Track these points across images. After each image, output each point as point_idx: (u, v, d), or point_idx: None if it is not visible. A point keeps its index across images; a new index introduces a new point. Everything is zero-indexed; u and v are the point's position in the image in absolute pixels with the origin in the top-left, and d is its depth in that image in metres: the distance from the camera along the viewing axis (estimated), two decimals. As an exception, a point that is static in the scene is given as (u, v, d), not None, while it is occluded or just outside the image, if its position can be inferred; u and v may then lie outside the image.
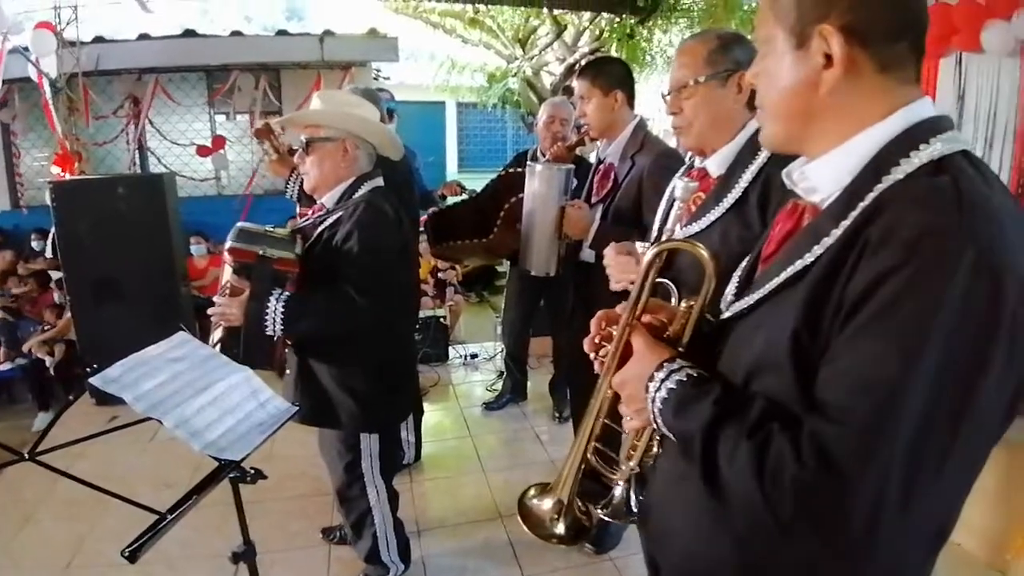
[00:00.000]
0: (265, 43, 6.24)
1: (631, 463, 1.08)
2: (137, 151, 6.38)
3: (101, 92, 5.98)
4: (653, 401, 0.88)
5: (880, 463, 0.64)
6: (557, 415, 3.80)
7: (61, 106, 5.13)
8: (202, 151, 6.37)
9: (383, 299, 1.90)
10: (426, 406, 3.58)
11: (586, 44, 8.26)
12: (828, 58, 0.76)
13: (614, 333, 1.00)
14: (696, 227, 1.43)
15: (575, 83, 2.42)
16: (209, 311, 1.92)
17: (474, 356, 4.91)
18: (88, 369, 1.30)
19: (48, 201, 4.12)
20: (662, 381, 0.87)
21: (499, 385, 4.19)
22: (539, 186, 2.46)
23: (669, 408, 0.85)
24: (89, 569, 2.58)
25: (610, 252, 1.63)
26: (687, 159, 1.66)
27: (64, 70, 5.03)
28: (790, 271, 0.77)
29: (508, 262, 3.72)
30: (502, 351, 4.21)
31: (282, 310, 1.83)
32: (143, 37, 5.86)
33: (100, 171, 6.05)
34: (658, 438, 1.03)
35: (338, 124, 2.00)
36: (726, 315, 0.91)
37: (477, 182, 3.96)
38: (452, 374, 4.68)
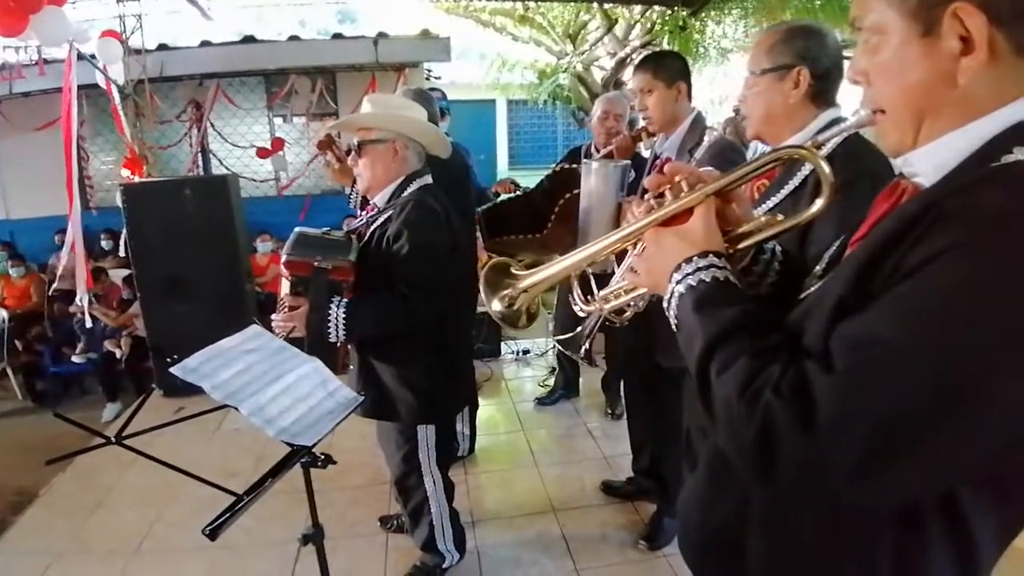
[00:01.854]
0: (321, 46, 6.40)
1: (606, 306, 1.05)
2: (200, 154, 6.66)
3: (165, 97, 6.25)
4: (678, 281, 0.82)
5: (848, 422, 0.61)
6: (609, 411, 3.80)
7: (129, 111, 5.40)
8: (262, 153, 6.59)
9: (436, 295, 1.95)
10: (479, 400, 3.64)
11: (637, 38, 8.16)
12: (964, 42, 0.66)
13: (684, 188, 0.90)
14: (756, 212, 1.44)
15: (631, 77, 2.39)
16: (273, 325, 1.98)
17: (526, 352, 4.95)
18: (168, 360, 1.39)
19: (118, 203, 4.36)
20: (698, 269, 0.81)
21: (551, 381, 4.21)
22: (596, 183, 2.46)
23: (691, 298, 0.80)
24: (158, 553, 2.73)
25: None
26: (760, 148, 1.65)
27: (131, 77, 5.29)
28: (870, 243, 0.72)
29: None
30: (554, 347, 4.23)
31: (343, 317, 1.90)
32: (204, 44, 6.10)
33: (165, 174, 6.33)
34: (642, 303, 1.03)
35: (388, 126, 2.06)
36: (805, 294, 0.86)
37: (528, 179, 3.98)
38: (504, 369, 4.73)
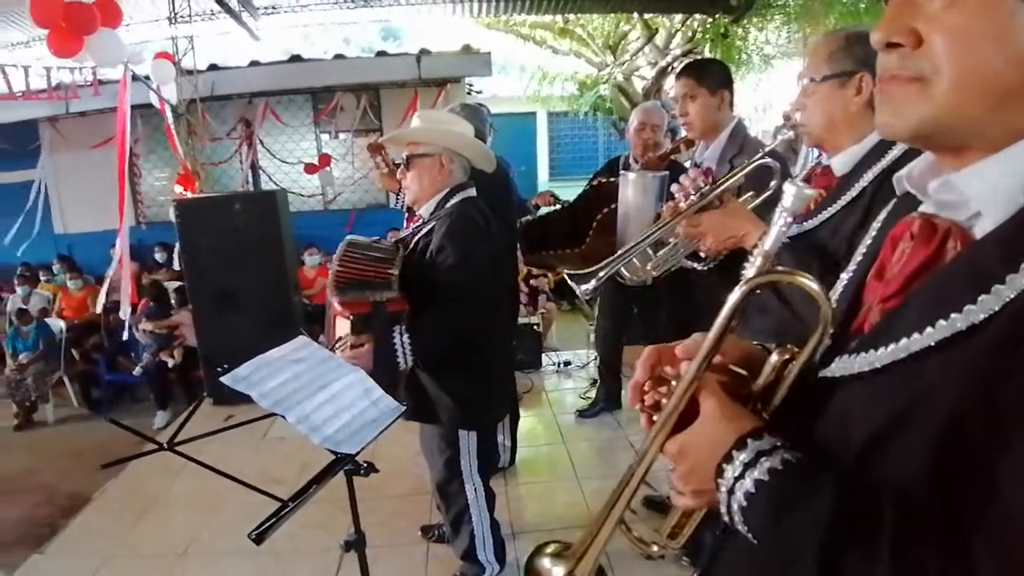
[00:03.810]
0: (365, 64, 6.57)
1: (674, 543, 0.84)
2: (250, 170, 6.88)
3: (216, 116, 6.50)
4: (732, 493, 0.63)
5: None
6: (652, 425, 3.75)
7: (181, 130, 5.62)
8: (309, 168, 6.78)
9: (478, 305, 1.99)
10: (520, 412, 3.64)
11: (679, 46, 8.13)
12: None
13: (671, 380, 0.75)
14: (809, 224, 1.42)
15: (673, 84, 2.38)
16: None
17: (567, 363, 4.94)
18: (219, 369, 1.44)
19: (171, 217, 4.53)
20: (746, 467, 0.62)
21: (592, 393, 4.19)
22: (633, 194, 2.45)
23: (760, 508, 0.61)
24: (204, 557, 2.82)
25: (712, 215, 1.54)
26: (812, 158, 1.62)
27: (183, 96, 5.52)
28: (947, 329, 0.52)
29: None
30: (595, 359, 4.21)
31: (408, 343, 1.94)
32: (253, 63, 6.33)
33: (217, 189, 6.57)
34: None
35: (435, 140, 2.12)
36: (837, 372, 0.65)
37: (569, 190, 3.99)
38: (545, 381, 4.73)
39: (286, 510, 1.21)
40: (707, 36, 7.55)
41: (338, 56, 6.70)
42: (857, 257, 0.76)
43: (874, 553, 0.52)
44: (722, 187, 1.53)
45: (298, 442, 1.44)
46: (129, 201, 6.87)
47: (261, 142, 6.82)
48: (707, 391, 0.69)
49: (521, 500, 3.14)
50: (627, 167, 3.12)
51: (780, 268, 0.71)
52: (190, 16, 5.66)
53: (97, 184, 5.92)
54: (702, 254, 1.67)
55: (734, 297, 0.69)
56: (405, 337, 1.94)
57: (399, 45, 11.19)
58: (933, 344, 0.53)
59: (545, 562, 0.85)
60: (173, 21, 5.53)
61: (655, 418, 0.74)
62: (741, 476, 0.62)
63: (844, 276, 0.77)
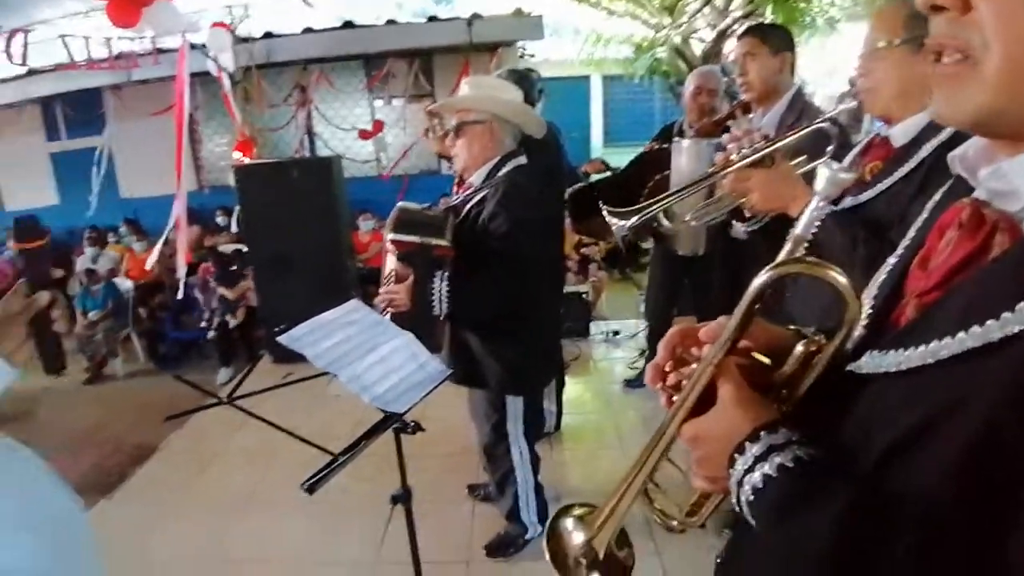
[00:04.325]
0: (417, 29, 6.55)
1: (692, 520, 0.83)
2: (306, 136, 7.01)
3: (272, 83, 6.61)
4: (740, 484, 0.62)
5: None
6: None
7: (238, 97, 5.75)
8: (363, 135, 6.86)
9: (528, 272, 2.00)
10: (567, 379, 3.67)
11: (739, 8, 7.80)
12: None
13: (693, 363, 0.73)
14: (865, 196, 1.37)
15: (735, 44, 2.31)
16: (376, 300, 2.09)
17: (616, 333, 4.93)
18: (276, 329, 1.51)
19: (231, 182, 4.68)
20: (756, 460, 0.61)
21: (640, 363, 4.18)
22: (687, 162, 2.41)
23: (765, 504, 0.60)
24: (262, 507, 2.99)
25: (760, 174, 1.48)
26: (876, 128, 1.55)
27: (239, 64, 5.63)
28: (980, 337, 0.48)
29: (653, 239, 3.68)
30: (645, 329, 4.19)
31: (447, 289, 1.97)
32: (307, 31, 6.39)
33: (274, 155, 6.72)
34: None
35: (484, 107, 2.11)
36: (865, 369, 0.62)
37: (623, 156, 3.93)
38: (593, 350, 4.74)
39: (337, 463, 1.27)
40: (769, -4, 7.22)
41: (390, 22, 6.70)
42: (906, 241, 0.71)
43: (887, 564, 0.50)
44: (776, 145, 1.48)
45: (351, 400, 1.49)
46: (190, 166, 7.14)
47: (316, 108, 6.92)
48: (725, 377, 0.67)
49: (565, 465, 3.19)
50: (681, 133, 3.05)
51: (808, 259, 0.68)
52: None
53: (159, 150, 6.11)
54: (746, 213, 1.63)
55: (757, 283, 0.66)
56: (444, 284, 1.96)
57: (451, 9, 11.07)
58: (965, 351, 0.50)
59: (568, 523, 0.86)
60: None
61: (675, 399, 0.73)
62: (751, 469, 0.61)
63: (891, 260, 0.72)
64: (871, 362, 0.60)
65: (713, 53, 7.81)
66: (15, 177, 7.95)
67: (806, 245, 0.79)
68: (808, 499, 0.56)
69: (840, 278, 0.62)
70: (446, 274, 1.98)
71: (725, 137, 1.56)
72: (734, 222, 1.79)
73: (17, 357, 0.90)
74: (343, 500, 2.78)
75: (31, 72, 6.02)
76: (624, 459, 3.18)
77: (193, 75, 5.05)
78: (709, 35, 8.21)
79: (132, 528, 2.84)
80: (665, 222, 1.75)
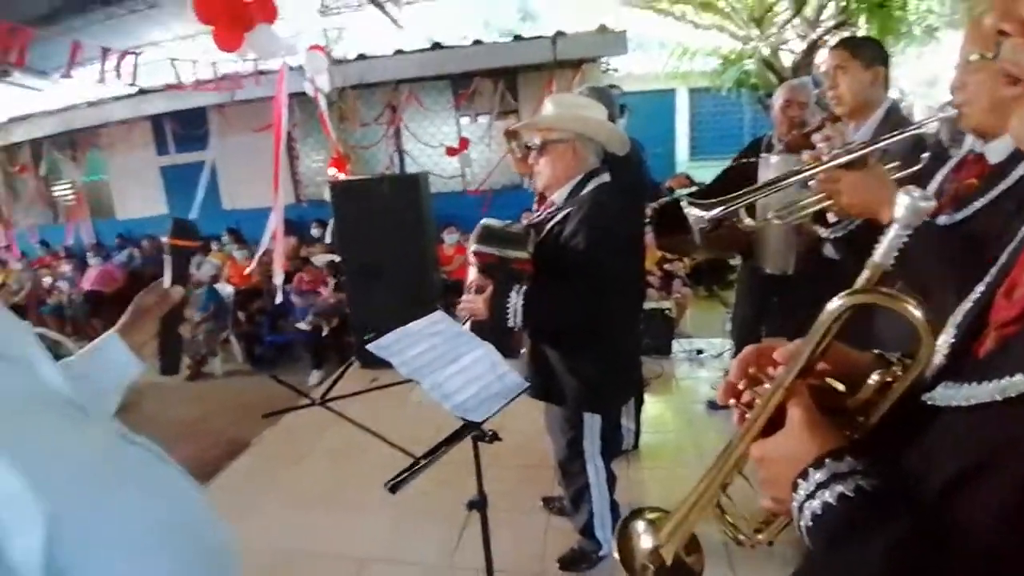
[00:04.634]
0: (502, 49, 6.70)
1: (760, 537, 0.82)
2: (396, 153, 7.29)
3: (364, 102, 6.92)
4: (800, 510, 0.63)
5: None
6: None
7: (333, 116, 6.06)
8: (450, 151, 7.08)
9: (608, 290, 1.99)
10: (647, 397, 3.62)
11: (831, 18, 7.49)
12: None
13: (766, 383, 0.73)
14: (961, 215, 1.30)
15: (825, 56, 2.23)
16: (458, 309, 2.14)
17: (700, 352, 4.81)
18: (365, 337, 1.60)
19: (326, 197, 4.93)
20: (819, 486, 0.60)
21: (726, 383, 4.05)
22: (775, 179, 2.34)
23: (822, 531, 0.60)
24: (347, 503, 3.12)
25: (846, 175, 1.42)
26: (967, 143, 1.47)
27: (335, 85, 5.94)
28: None
29: (740, 256, 3.59)
30: (731, 349, 4.07)
31: (522, 304, 2.00)
32: (398, 52, 6.67)
33: (366, 171, 7.04)
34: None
35: (568, 126, 2.12)
36: (939, 401, 0.61)
37: (709, 170, 3.87)
38: (676, 368, 4.64)
39: (418, 466, 1.33)
40: (862, 6, 6.87)
41: (476, 42, 6.89)
42: (995, 267, 0.70)
43: None
44: (870, 148, 1.42)
45: (434, 407, 1.55)
46: (289, 180, 7.57)
47: (406, 127, 7.19)
48: (795, 401, 0.67)
49: (643, 484, 3.14)
50: (770, 148, 2.97)
51: (883, 289, 0.66)
52: (339, 8, 6.07)
53: (259, 165, 6.53)
54: (830, 218, 1.56)
55: (830, 309, 0.66)
56: (520, 299, 1.99)
57: (536, 26, 11.23)
58: None
59: (640, 526, 0.87)
60: (324, 12, 5.96)
61: (747, 416, 0.73)
62: (812, 495, 0.61)
63: (979, 288, 0.70)
64: (944, 394, 0.60)
65: (804, 64, 7.53)
66: (128, 188, 8.71)
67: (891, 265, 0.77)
68: (863, 529, 0.56)
69: (915, 312, 0.61)
70: (523, 288, 2.01)
71: (816, 136, 1.52)
72: (816, 227, 1.72)
73: (146, 351, 0.96)
74: (422, 503, 2.85)
75: (142, 91, 6.56)
76: (703, 480, 3.10)
77: (291, 95, 5.39)
78: (799, 46, 7.94)
79: (223, 517, 3.03)
80: (748, 220, 1.69)
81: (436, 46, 6.79)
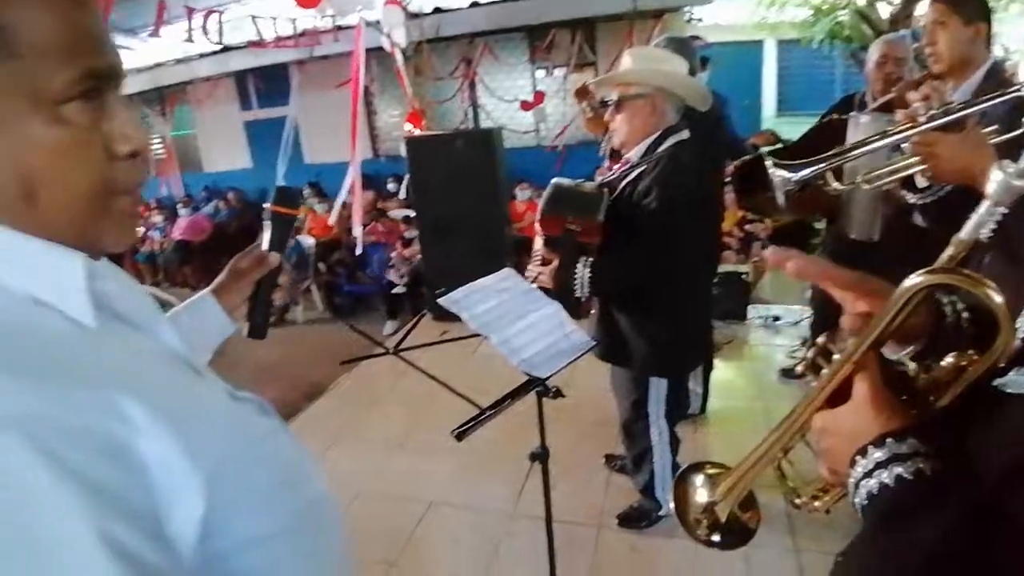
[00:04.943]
0: (580, -2, 6.50)
1: (817, 504, 0.81)
2: (470, 107, 7.27)
3: (440, 56, 6.90)
4: (856, 487, 0.62)
5: None
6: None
7: (409, 71, 6.07)
8: (525, 106, 6.99)
9: (680, 252, 1.96)
10: (718, 363, 3.56)
11: (932, -33, 6.84)
12: None
13: (836, 354, 0.71)
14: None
15: (923, 9, 2.07)
16: (526, 272, 2.16)
17: (776, 319, 4.65)
18: (437, 292, 1.65)
19: (402, 152, 5.00)
20: (878, 465, 0.60)
21: (801, 352, 3.93)
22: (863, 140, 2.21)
23: (877, 510, 0.60)
24: (416, 448, 3.28)
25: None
26: None
27: (411, 39, 5.93)
28: None
29: (825, 219, 3.43)
30: (809, 317, 3.93)
31: (588, 275, 2.00)
32: (474, 4, 6.56)
33: (441, 126, 7.06)
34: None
35: (648, 81, 2.06)
36: (1010, 388, 0.60)
37: (797, 127, 3.67)
38: (750, 334, 4.53)
39: (484, 416, 1.38)
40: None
41: (554, -9, 6.70)
42: None
43: None
44: (970, 110, 1.32)
45: (501, 361, 1.59)
46: (366, 136, 7.70)
47: (481, 80, 7.15)
48: (863, 375, 0.65)
49: (708, 449, 3.13)
50: (863, 106, 2.79)
51: (965, 272, 0.62)
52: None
53: (338, 120, 6.68)
54: (919, 183, 1.46)
55: (906, 285, 0.63)
56: (587, 271, 1.99)
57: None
58: None
59: (698, 479, 0.88)
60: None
61: (813, 384, 0.72)
62: (869, 474, 0.60)
63: None
64: (1016, 380, 0.58)
65: (902, 17, 6.96)
66: (214, 143, 9.09)
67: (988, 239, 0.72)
68: (917, 513, 0.56)
69: (995, 297, 0.59)
70: (589, 260, 2.00)
71: (911, 95, 1.42)
72: (904, 192, 1.62)
73: (238, 313, 0.97)
74: (487, 452, 2.94)
75: (226, 48, 6.75)
76: (771, 449, 3.05)
77: (368, 51, 5.43)
78: None
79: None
80: (835, 184, 1.61)
81: (513, -4, 6.65)
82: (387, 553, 2.55)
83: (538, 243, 2.17)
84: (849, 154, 1.48)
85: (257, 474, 0.57)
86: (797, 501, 0.82)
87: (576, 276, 2.01)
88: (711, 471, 0.87)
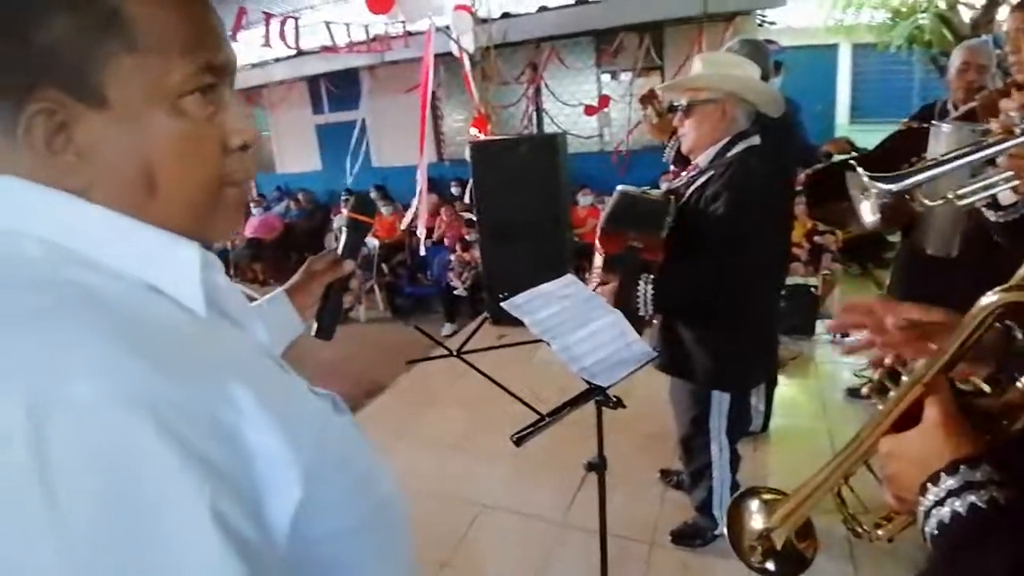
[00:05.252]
0: (650, 1, 6.42)
1: (880, 532, 0.78)
2: (534, 112, 7.29)
3: (506, 61, 6.94)
4: (927, 515, 0.59)
5: None
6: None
7: (476, 76, 6.14)
8: (589, 110, 6.97)
9: (747, 263, 1.90)
10: (782, 379, 3.45)
11: (1017, -32, 6.43)
12: None
13: (904, 376, 0.69)
14: None
15: (1006, 15, 1.95)
16: (588, 281, 2.13)
17: (846, 335, 4.45)
18: (500, 296, 1.66)
19: (466, 156, 5.07)
20: (950, 494, 0.57)
21: (869, 372, 3.75)
22: (945, 151, 2.09)
23: (948, 540, 0.57)
24: (473, 450, 3.29)
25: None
26: None
27: (479, 44, 6.00)
28: None
29: (900, 232, 3.27)
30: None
31: (652, 293, 1.96)
32: (542, 9, 6.58)
33: (505, 130, 7.10)
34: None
35: (718, 86, 2.01)
36: None
37: (871, 135, 3.53)
38: (817, 350, 4.35)
39: (543, 422, 1.37)
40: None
41: (623, -5, 6.64)
42: None
43: None
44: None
45: (560, 368, 1.59)
46: (432, 139, 7.83)
47: (546, 85, 7.16)
48: (933, 399, 0.63)
49: (768, 468, 3.03)
50: (944, 115, 2.66)
51: None
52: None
53: (407, 124, 6.75)
54: (1004, 200, 1.37)
55: (982, 305, 0.61)
56: (650, 288, 1.94)
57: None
58: None
59: (753, 505, 0.85)
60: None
61: (880, 406, 0.70)
62: (941, 502, 0.58)
63: None
64: None
65: (984, 22, 6.59)
66: (286, 144, 9.42)
67: None
68: (992, 542, 0.54)
69: None
70: (651, 277, 1.96)
71: (1005, 103, 1.34)
72: (983, 208, 1.53)
73: (308, 313, 0.99)
74: (543, 457, 2.94)
75: (300, 53, 7.00)
76: (835, 470, 2.93)
77: (437, 56, 5.53)
78: (980, 1, 6.94)
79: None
80: (922, 199, 1.52)
81: (581, 1, 6.64)
82: (440, 553, 2.58)
83: (597, 261, 2.14)
84: (946, 166, 1.39)
85: (340, 469, 0.59)
86: (859, 529, 0.80)
87: (639, 294, 1.97)
88: (767, 496, 0.85)
